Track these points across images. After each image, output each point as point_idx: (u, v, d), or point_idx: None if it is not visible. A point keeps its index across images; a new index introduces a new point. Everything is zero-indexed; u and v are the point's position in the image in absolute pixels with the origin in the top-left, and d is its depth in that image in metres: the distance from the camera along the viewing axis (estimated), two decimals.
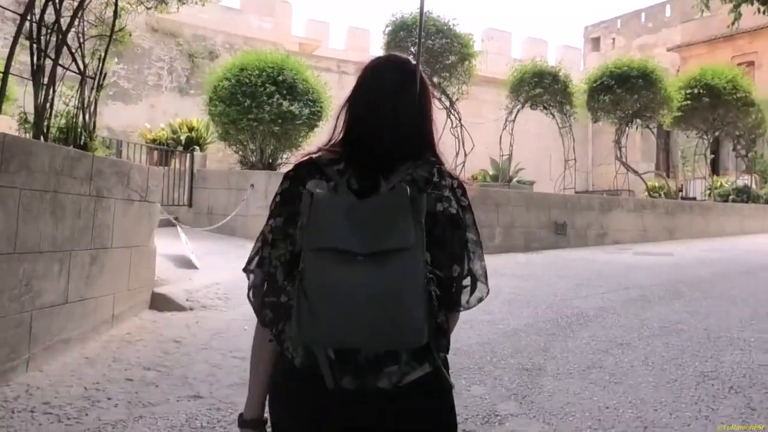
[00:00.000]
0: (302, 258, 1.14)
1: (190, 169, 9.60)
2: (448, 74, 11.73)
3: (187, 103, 15.14)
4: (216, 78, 9.64)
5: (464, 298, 1.27)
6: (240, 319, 5.52)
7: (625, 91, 13.46)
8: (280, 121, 9.32)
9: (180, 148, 10.16)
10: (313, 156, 1.33)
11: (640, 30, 28.70)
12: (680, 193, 17.71)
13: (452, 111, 12.01)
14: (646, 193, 16.17)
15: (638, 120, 14.49)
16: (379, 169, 1.26)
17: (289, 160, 10.39)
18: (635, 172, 14.91)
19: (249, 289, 1.27)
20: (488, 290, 1.30)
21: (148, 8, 5.47)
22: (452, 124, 12.11)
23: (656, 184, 17.00)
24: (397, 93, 1.31)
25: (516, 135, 13.14)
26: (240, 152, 10.01)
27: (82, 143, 5.01)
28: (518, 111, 12.97)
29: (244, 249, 7.73)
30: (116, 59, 15.97)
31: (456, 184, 1.31)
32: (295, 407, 1.23)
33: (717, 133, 16.29)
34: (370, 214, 1.15)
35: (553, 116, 13.19)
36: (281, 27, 19.02)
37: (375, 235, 1.12)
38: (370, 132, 1.30)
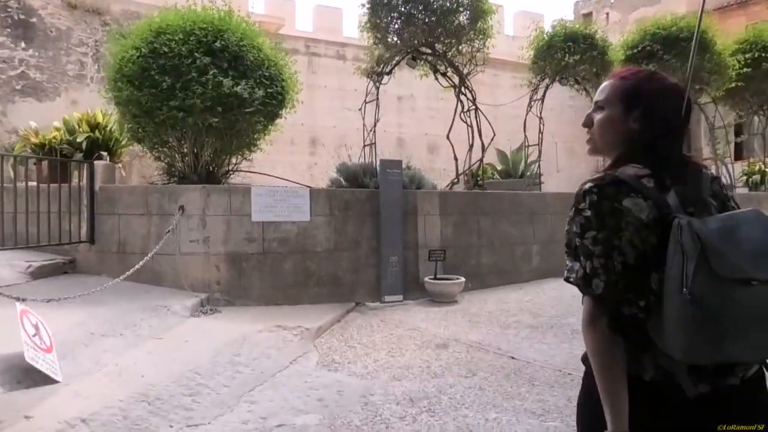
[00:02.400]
0: (691, 282, 1.19)
1: (89, 187, 6.38)
2: (455, 40, 8.62)
3: None
4: (121, 49, 6.42)
5: None
6: None
7: (674, 57, 10.55)
8: (219, 108, 6.15)
9: (80, 155, 6.93)
10: (615, 172, 1.38)
11: (636, 2, 25.97)
12: None
13: (463, 90, 8.92)
14: None
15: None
16: (683, 183, 1.38)
17: (240, 167, 7.22)
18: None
19: (600, 304, 1.34)
20: None
21: None
22: (463, 107, 9.03)
23: None
24: (686, 118, 1.45)
25: (519, 120, 10.16)
26: (165, 158, 6.81)
27: None
28: (547, 87, 9.92)
29: (171, 314, 4.41)
30: (22, 43, 12.67)
31: (732, 195, 1.48)
32: (649, 418, 1.31)
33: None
34: (744, 235, 1.22)
35: (587, 92, 10.19)
36: (234, 2, 15.70)
37: (763, 259, 1.20)
38: (675, 151, 1.44)
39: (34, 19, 12.51)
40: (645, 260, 1.29)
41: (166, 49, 6.11)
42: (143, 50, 6.17)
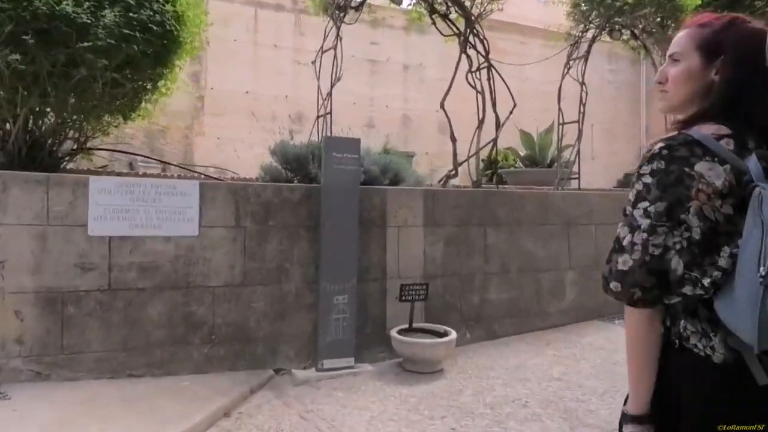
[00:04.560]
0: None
1: None
2: None
3: None
4: None
5: None
6: None
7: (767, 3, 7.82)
8: (30, 38, 3.52)
9: None
10: (687, 132, 1.22)
11: None
12: None
13: (472, 40, 6.17)
14: None
15: None
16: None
17: (98, 147, 4.59)
18: None
19: (617, 279, 1.19)
20: None
21: None
22: (471, 65, 6.27)
23: None
24: None
25: (550, 97, 7.40)
26: None
27: None
28: (594, 39, 7.08)
29: None
30: None
31: None
32: (713, 402, 1.18)
33: None
34: None
35: (646, 49, 7.38)
36: None
37: None
38: (760, 107, 1.23)
39: None
40: (716, 233, 1.15)
41: None
42: None
